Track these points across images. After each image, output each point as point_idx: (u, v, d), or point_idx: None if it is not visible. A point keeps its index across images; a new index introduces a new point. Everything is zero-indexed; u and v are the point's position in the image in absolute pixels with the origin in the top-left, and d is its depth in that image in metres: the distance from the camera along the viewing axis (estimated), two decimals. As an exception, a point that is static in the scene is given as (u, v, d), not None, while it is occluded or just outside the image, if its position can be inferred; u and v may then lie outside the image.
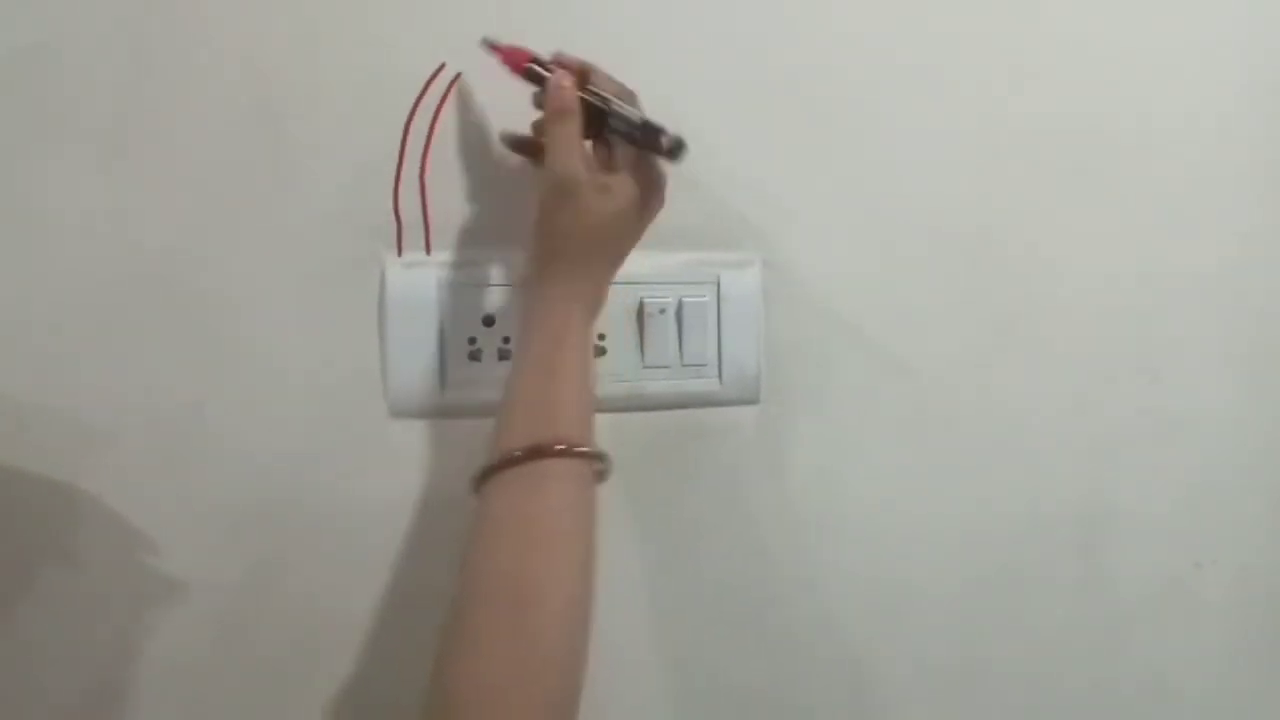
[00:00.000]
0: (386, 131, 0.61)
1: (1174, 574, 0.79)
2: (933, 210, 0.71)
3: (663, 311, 0.66)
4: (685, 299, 0.66)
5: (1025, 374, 0.74)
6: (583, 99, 0.55)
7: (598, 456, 0.53)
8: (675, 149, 0.54)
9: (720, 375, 0.68)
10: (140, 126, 0.58)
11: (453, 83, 0.61)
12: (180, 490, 0.59)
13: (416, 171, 0.61)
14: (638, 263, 0.65)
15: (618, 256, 0.57)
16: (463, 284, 0.63)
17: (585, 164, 0.54)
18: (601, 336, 0.65)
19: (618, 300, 0.65)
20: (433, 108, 0.61)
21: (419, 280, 0.62)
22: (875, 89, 0.70)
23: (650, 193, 0.56)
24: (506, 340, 0.63)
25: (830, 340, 0.70)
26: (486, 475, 0.51)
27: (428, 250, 0.62)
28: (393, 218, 0.61)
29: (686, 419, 0.68)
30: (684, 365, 0.67)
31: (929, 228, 0.71)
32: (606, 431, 0.66)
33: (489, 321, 0.63)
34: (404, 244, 0.62)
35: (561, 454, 0.51)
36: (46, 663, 0.58)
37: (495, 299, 0.63)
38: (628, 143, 0.55)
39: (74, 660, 0.58)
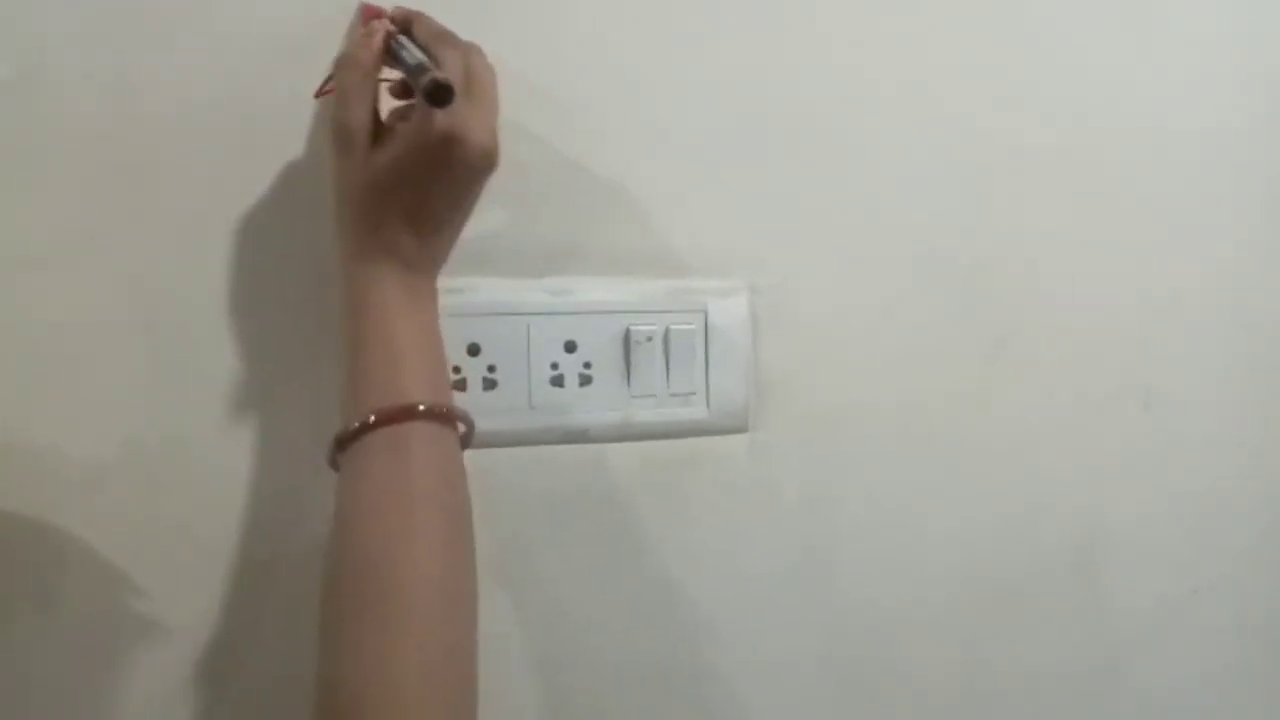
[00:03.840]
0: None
1: (1171, 599, 0.78)
2: (922, 235, 0.71)
3: (649, 340, 0.65)
4: (672, 327, 0.66)
5: (1019, 398, 0.74)
6: (387, 48, 0.52)
7: (452, 416, 0.50)
8: (433, 91, 0.47)
9: (708, 403, 0.67)
10: (124, 157, 0.57)
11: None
12: (163, 530, 0.58)
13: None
14: (624, 290, 0.65)
15: (418, 212, 0.51)
16: (445, 313, 0.62)
17: (366, 114, 0.51)
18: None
19: (604, 329, 0.65)
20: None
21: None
22: (863, 115, 0.69)
23: (433, 140, 0.49)
24: (492, 369, 0.63)
25: (819, 367, 0.70)
26: (336, 450, 0.50)
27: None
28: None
29: (675, 448, 0.67)
30: (671, 394, 0.66)
31: (919, 252, 0.71)
32: (593, 461, 0.66)
33: (473, 350, 0.62)
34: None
35: (394, 419, 0.48)
36: (25, 706, 0.57)
37: (479, 328, 0.63)
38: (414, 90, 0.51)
39: (53, 703, 0.57)
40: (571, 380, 0.64)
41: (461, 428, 0.52)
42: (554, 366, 0.64)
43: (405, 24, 0.54)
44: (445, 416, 0.50)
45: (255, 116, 0.59)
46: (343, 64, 0.53)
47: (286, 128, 0.59)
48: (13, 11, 0.55)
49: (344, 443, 0.49)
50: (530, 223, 0.64)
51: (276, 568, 0.60)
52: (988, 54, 0.72)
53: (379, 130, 0.52)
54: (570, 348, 0.64)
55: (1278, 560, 0.81)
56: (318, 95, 0.58)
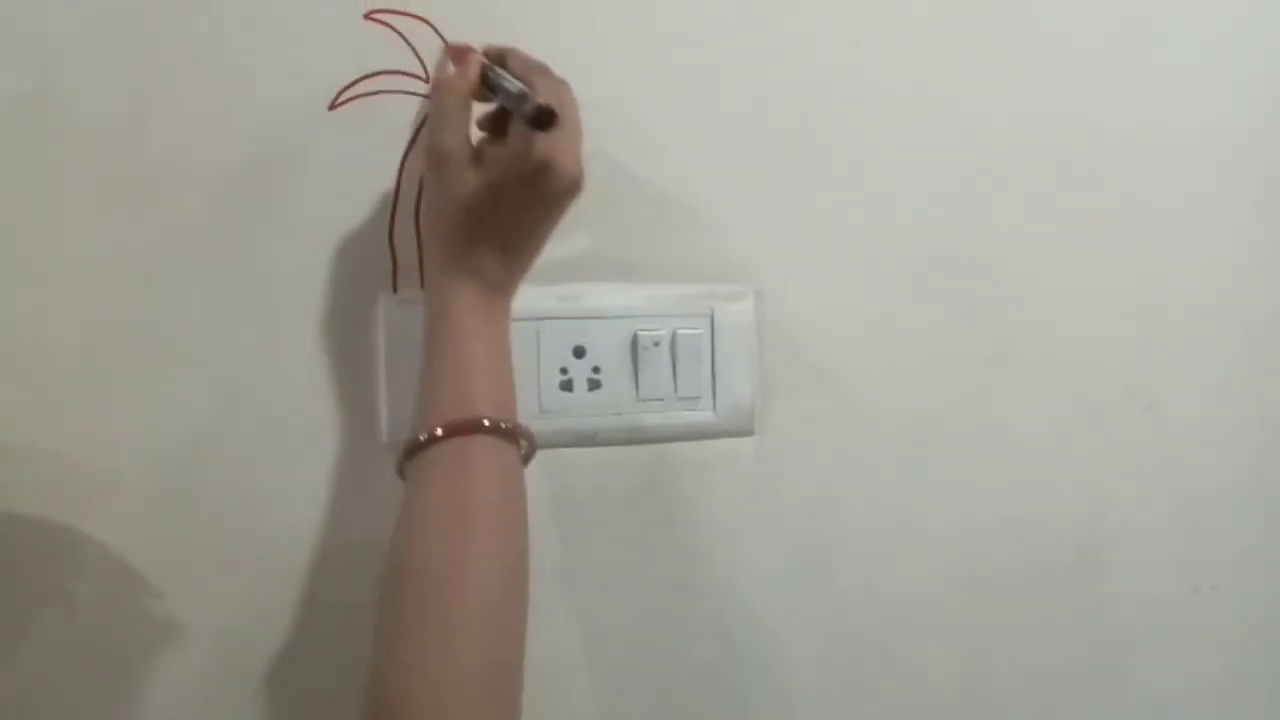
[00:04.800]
0: (382, 170, 0.61)
1: (1172, 599, 0.79)
2: (925, 239, 0.72)
3: (657, 344, 0.66)
4: (679, 331, 0.67)
5: (1021, 401, 0.74)
6: (483, 75, 0.54)
7: (516, 433, 0.52)
8: (538, 117, 0.50)
9: (715, 407, 0.68)
10: (139, 172, 0.58)
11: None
12: (180, 533, 0.59)
13: (412, 210, 0.62)
14: (631, 295, 0.66)
15: (506, 235, 0.54)
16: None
17: (464, 138, 0.53)
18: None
19: (612, 333, 0.66)
20: (428, 146, 0.62)
21: (414, 316, 0.62)
22: (866, 120, 0.70)
23: (531, 166, 0.51)
24: (502, 374, 0.64)
25: (825, 370, 0.70)
26: (404, 459, 0.51)
27: (423, 285, 0.62)
28: (388, 255, 0.62)
29: (682, 451, 0.68)
30: (679, 397, 0.67)
31: (921, 256, 0.72)
32: (602, 464, 0.67)
33: (485, 356, 0.63)
34: (399, 281, 0.62)
35: (460, 432, 0.50)
36: (46, 707, 0.58)
37: (490, 334, 0.63)
38: (515, 116, 0.53)
39: (74, 705, 0.58)
40: (580, 384, 0.65)
41: (524, 444, 0.54)
42: (563, 371, 0.65)
43: (499, 58, 0.57)
44: (509, 433, 0.52)
45: (267, 129, 0.60)
46: (440, 89, 0.55)
47: (298, 140, 0.60)
48: (30, 27, 0.56)
49: (412, 452, 0.51)
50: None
51: (294, 572, 0.61)
52: (988, 58, 0.72)
53: (475, 157, 0.54)
54: (579, 352, 0.65)
55: (1278, 561, 0.81)
56: (333, 107, 0.60)
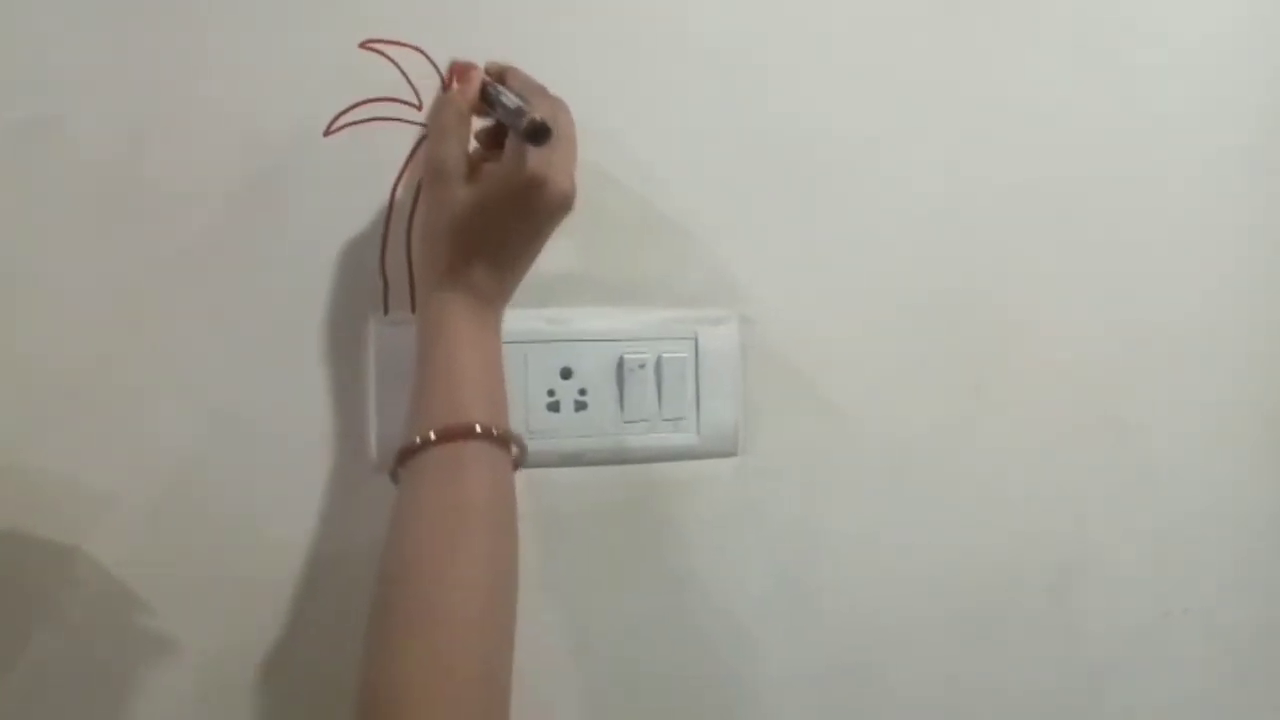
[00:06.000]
0: (375, 195, 0.63)
1: (1145, 623, 0.80)
2: (906, 269, 0.73)
3: (642, 367, 0.67)
4: (664, 354, 0.68)
5: (998, 427, 0.75)
6: (483, 91, 0.56)
7: (507, 439, 0.53)
8: (532, 131, 0.51)
9: (698, 429, 0.69)
10: (136, 197, 0.59)
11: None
12: (173, 551, 0.60)
13: (403, 234, 0.63)
14: (618, 319, 0.67)
15: (499, 248, 0.55)
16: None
17: (461, 151, 0.55)
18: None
19: (599, 356, 0.67)
20: (420, 170, 0.63)
21: (405, 338, 0.63)
22: (849, 152, 0.72)
23: (524, 181, 0.52)
24: (490, 395, 0.65)
25: (806, 395, 0.72)
26: (397, 464, 0.52)
27: (413, 308, 0.63)
28: (379, 278, 0.63)
29: (666, 471, 0.69)
30: (663, 419, 0.68)
31: (903, 286, 0.73)
32: (588, 484, 0.68)
33: (473, 377, 0.64)
34: (390, 303, 0.63)
35: (453, 437, 0.51)
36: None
37: (479, 355, 0.65)
38: (511, 131, 0.54)
39: None
40: (567, 406, 0.67)
41: (515, 450, 0.54)
42: (550, 393, 0.66)
43: (499, 76, 0.58)
44: (501, 439, 0.53)
45: (263, 155, 0.61)
46: (440, 104, 0.56)
47: (296, 168, 0.61)
48: (32, 57, 0.58)
49: (405, 457, 0.52)
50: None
51: (286, 589, 0.62)
52: (969, 94, 0.74)
53: (470, 170, 0.55)
54: (566, 374, 0.66)
55: (1249, 585, 0.82)
56: (327, 133, 0.61)
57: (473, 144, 0.58)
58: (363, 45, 0.62)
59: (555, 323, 0.66)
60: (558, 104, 0.56)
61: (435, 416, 0.52)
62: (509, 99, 0.55)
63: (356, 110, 0.62)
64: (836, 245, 0.72)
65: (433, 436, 0.51)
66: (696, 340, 0.69)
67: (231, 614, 0.61)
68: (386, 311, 0.63)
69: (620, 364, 0.67)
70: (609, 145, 0.66)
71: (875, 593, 0.74)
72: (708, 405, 0.69)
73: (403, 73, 0.62)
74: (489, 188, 0.53)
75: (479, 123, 0.59)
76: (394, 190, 0.63)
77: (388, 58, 0.62)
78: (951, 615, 0.75)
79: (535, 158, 0.52)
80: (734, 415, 0.70)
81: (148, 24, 0.59)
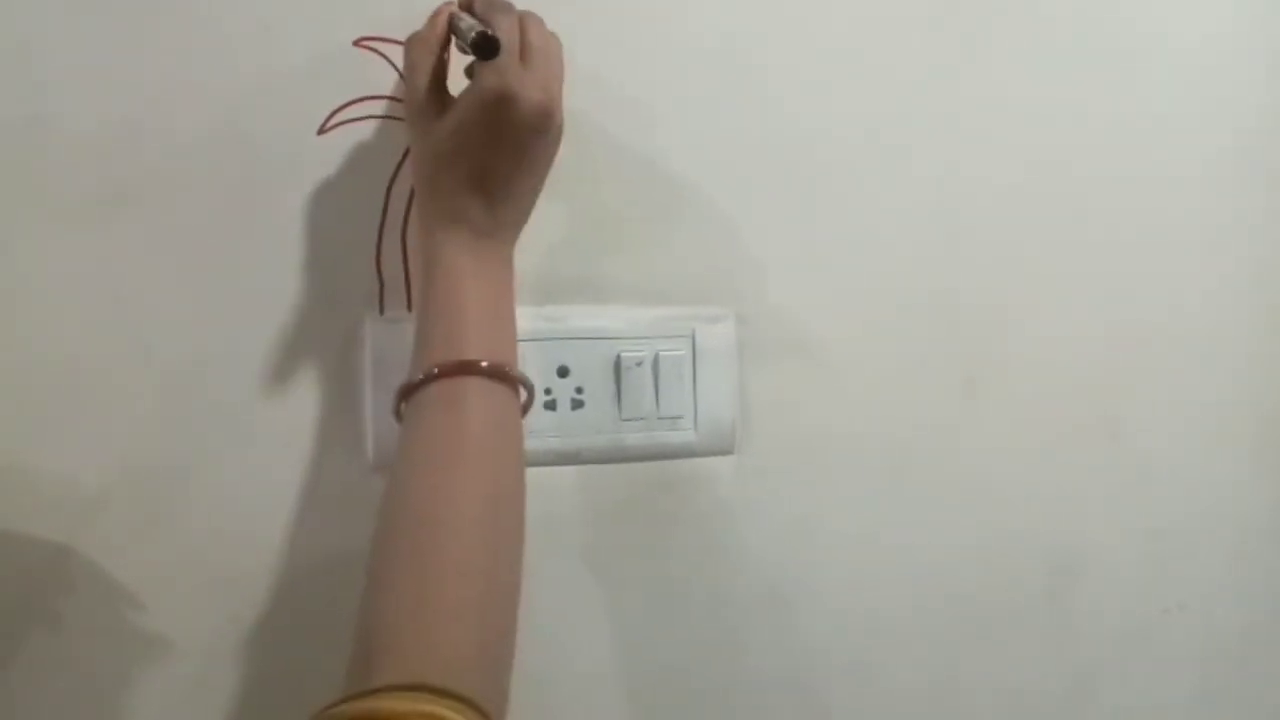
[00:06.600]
0: (369, 194, 0.62)
1: (1141, 620, 0.80)
2: (901, 269, 0.73)
3: (639, 365, 0.67)
4: (661, 352, 0.68)
5: (994, 427, 0.75)
6: (450, 24, 0.54)
7: (510, 376, 0.52)
8: (478, 45, 0.49)
9: (696, 427, 0.69)
10: (127, 194, 0.59)
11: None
12: (166, 550, 0.60)
13: (398, 231, 0.63)
14: (615, 317, 0.67)
15: (484, 177, 0.52)
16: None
17: (431, 87, 0.53)
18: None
19: (596, 354, 0.67)
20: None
21: (401, 336, 0.63)
22: (845, 153, 0.72)
23: (486, 97, 0.50)
24: (487, 394, 0.65)
25: (803, 394, 0.72)
26: (400, 399, 0.52)
27: (409, 307, 0.63)
28: (375, 276, 0.63)
29: (663, 470, 0.69)
30: (660, 417, 0.68)
31: (898, 286, 0.73)
32: (585, 482, 0.68)
33: (470, 375, 0.64)
34: (386, 301, 0.63)
35: (453, 374, 0.50)
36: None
37: (476, 354, 0.64)
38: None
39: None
40: (564, 404, 0.66)
41: (522, 392, 0.53)
42: (548, 391, 0.66)
43: (466, 5, 0.56)
44: (503, 375, 0.52)
45: (257, 153, 0.61)
46: (408, 43, 0.55)
47: (288, 163, 0.61)
48: (23, 52, 0.57)
49: (406, 394, 0.52)
50: (527, 254, 0.65)
51: (280, 589, 0.62)
52: (962, 96, 0.74)
53: (447, 105, 0.53)
54: (563, 372, 0.66)
55: (1242, 583, 0.83)
56: (321, 131, 0.61)
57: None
58: (357, 43, 0.61)
59: (552, 321, 0.66)
60: (526, 17, 0.54)
61: (434, 354, 0.51)
62: (467, 23, 0.53)
63: (350, 108, 0.62)
64: (834, 243, 0.72)
65: (436, 372, 0.50)
66: (694, 338, 0.69)
67: (225, 614, 0.61)
68: (382, 310, 0.63)
69: (617, 362, 0.67)
70: (607, 142, 0.66)
71: (873, 591, 0.74)
72: (705, 403, 0.69)
73: (397, 70, 0.62)
74: (459, 113, 0.51)
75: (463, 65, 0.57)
76: (389, 188, 0.63)
77: (382, 55, 0.62)
78: (949, 614, 0.75)
79: (490, 71, 0.50)
80: (731, 413, 0.70)
81: (139, 20, 0.58)
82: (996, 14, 0.74)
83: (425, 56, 0.54)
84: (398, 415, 0.53)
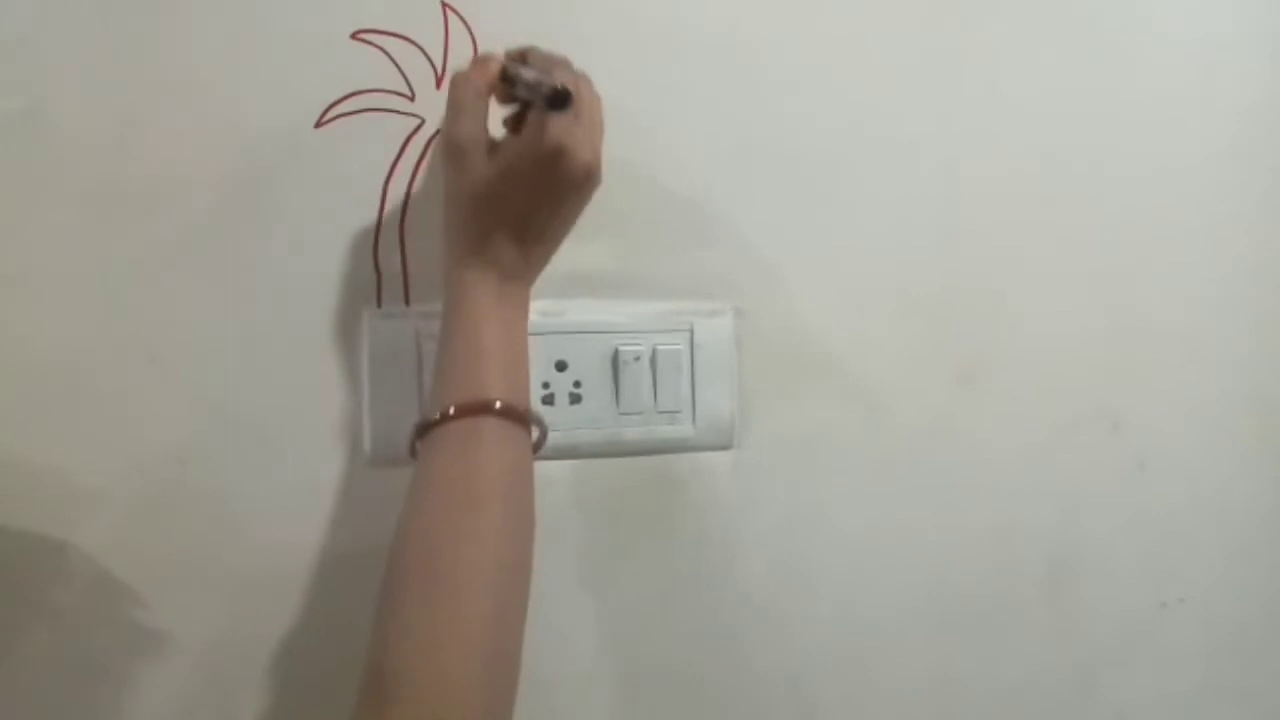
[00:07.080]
0: (367, 187, 0.62)
1: (1140, 613, 0.80)
2: (901, 264, 0.73)
3: (637, 359, 0.67)
4: (659, 347, 0.68)
5: (993, 420, 0.76)
6: (503, 73, 0.55)
7: (526, 417, 0.53)
8: (554, 97, 0.51)
9: (694, 421, 0.69)
10: (126, 188, 0.59)
11: (432, 138, 0.63)
12: (165, 546, 0.60)
13: (396, 225, 0.63)
14: (613, 311, 0.67)
15: (523, 223, 0.54)
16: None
17: (479, 128, 0.54)
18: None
19: (594, 348, 0.67)
20: (413, 161, 0.63)
21: (398, 330, 0.63)
22: (845, 149, 0.72)
23: (545, 150, 0.51)
24: (484, 388, 0.65)
25: (801, 388, 0.72)
26: (416, 437, 0.52)
27: (407, 301, 0.63)
28: (373, 270, 0.63)
29: (661, 464, 0.69)
30: (658, 411, 0.68)
31: (896, 280, 0.73)
32: (583, 476, 0.68)
33: (467, 370, 0.64)
34: (384, 296, 0.63)
35: (471, 413, 0.51)
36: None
37: (473, 348, 0.64)
38: (533, 104, 0.54)
39: (59, 718, 0.59)
40: (562, 398, 0.66)
41: (536, 432, 0.54)
42: (545, 385, 0.66)
43: (520, 57, 0.57)
44: (519, 416, 0.53)
45: (254, 146, 0.61)
46: (455, 83, 0.55)
47: (287, 159, 0.61)
48: (23, 46, 0.57)
49: (423, 431, 0.52)
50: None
51: (279, 584, 0.62)
52: (960, 92, 0.74)
53: (491, 149, 0.54)
54: (561, 367, 0.66)
55: (1244, 576, 0.83)
56: (319, 125, 0.61)
57: (502, 132, 0.57)
58: (355, 36, 0.61)
59: (550, 315, 0.66)
60: (581, 78, 0.56)
61: (453, 392, 0.52)
62: (529, 74, 0.54)
63: (348, 101, 0.62)
64: (832, 237, 0.72)
65: (451, 411, 0.51)
66: (692, 332, 0.69)
67: (224, 610, 0.61)
68: (380, 304, 0.63)
69: (615, 356, 0.67)
70: (606, 137, 0.65)
71: (871, 585, 0.74)
72: (703, 398, 0.69)
73: (395, 64, 0.62)
74: (510, 160, 0.52)
75: (505, 111, 0.57)
76: (386, 182, 0.63)
77: (380, 49, 0.62)
78: (948, 607, 0.75)
79: (557, 127, 0.51)
80: (729, 407, 0.70)
81: (137, 15, 0.59)
82: (995, 10, 0.74)
83: (475, 100, 0.54)
84: (412, 452, 0.53)
